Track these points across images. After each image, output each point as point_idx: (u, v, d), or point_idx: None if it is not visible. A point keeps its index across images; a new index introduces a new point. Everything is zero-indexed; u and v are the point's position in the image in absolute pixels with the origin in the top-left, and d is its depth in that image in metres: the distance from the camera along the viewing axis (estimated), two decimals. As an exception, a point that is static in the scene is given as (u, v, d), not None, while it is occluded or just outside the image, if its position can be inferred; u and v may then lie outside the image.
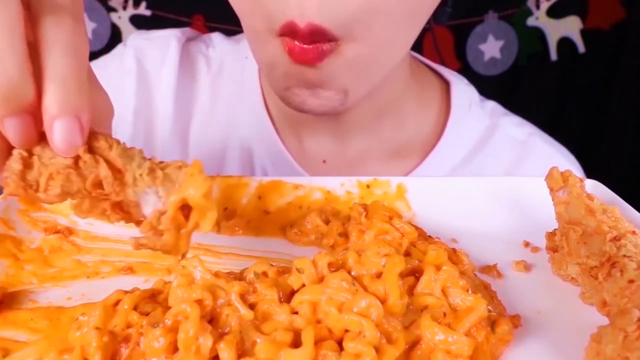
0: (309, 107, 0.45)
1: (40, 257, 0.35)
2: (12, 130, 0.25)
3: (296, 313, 0.27)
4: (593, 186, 0.38)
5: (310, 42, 0.40)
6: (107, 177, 0.26)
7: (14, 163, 0.26)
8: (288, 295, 0.28)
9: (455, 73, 0.61)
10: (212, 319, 0.27)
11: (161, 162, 0.28)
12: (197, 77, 0.59)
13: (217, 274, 0.29)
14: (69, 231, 0.37)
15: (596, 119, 1.26)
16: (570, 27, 1.21)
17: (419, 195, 0.40)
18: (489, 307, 0.28)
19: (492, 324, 0.28)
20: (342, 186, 0.41)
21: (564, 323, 0.30)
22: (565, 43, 1.22)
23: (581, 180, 0.34)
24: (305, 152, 0.56)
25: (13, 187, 0.26)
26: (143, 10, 1.14)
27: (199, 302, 0.26)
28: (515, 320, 0.29)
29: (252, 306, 0.27)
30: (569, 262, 0.31)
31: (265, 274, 0.30)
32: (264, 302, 0.27)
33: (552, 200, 0.34)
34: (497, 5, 1.21)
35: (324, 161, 0.56)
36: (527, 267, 0.34)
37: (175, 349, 0.25)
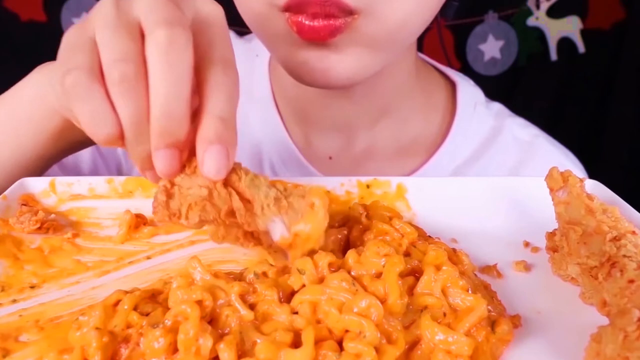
0: (315, 77, 0.42)
1: (40, 257, 0.35)
2: (161, 160, 0.28)
3: (296, 313, 0.27)
4: (593, 186, 0.38)
5: (324, 17, 0.38)
6: (239, 209, 0.29)
7: (160, 195, 0.29)
8: (288, 296, 0.28)
9: (461, 74, 0.62)
10: (212, 320, 0.27)
11: (285, 189, 0.31)
12: None
13: (216, 275, 0.29)
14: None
15: (596, 119, 1.26)
16: (570, 27, 1.21)
17: (419, 195, 0.40)
18: (489, 307, 0.28)
19: (492, 324, 0.28)
20: (342, 186, 0.41)
21: (564, 323, 0.30)
22: (565, 43, 1.22)
23: (581, 180, 0.34)
24: (311, 149, 0.57)
25: (160, 215, 0.29)
26: (143, 10, 1.14)
27: (199, 302, 0.26)
28: (515, 320, 0.29)
29: (252, 306, 0.27)
30: (569, 262, 0.31)
31: (265, 274, 0.30)
32: (264, 302, 0.27)
33: (552, 200, 0.34)
34: (497, 5, 1.21)
35: (330, 157, 0.56)
36: (527, 267, 0.34)
37: (175, 350, 0.25)
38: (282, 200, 0.30)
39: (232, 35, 0.63)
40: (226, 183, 0.29)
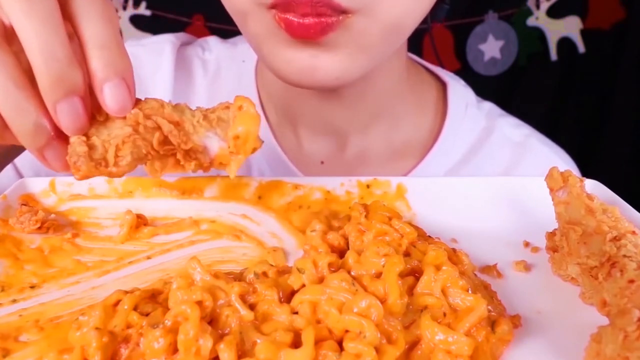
0: (301, 76, 0.40)
1: (40, 257, 0.35)
2: (66, 113, 0.26)
3: (296, 313, 0.27)
4: (593, 186, 0.38)
5: (315, 15, 0.36)
6: (171, 130, 0.28)
7: (78, 147, 0.27)
8: (288, 296, 0.28)
9: (452, 74, 0.61)
10: (212, 320, 0.27)
11: (207, 109, 0.30)
12: (194, 81, 0.58)
13: (216, 275, 0.29)
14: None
15: (596, 118, 1.27)
16: (570, 27, 1.22)
17: (419, 195, 0.40)
18: (489, 307, 0.28)
19: (492, 324, 0.28)
20: (342, 186, 0.41)
21: (564, 323, 0.30)
22: (565, 43, 1.22)
23: (581, 180, 0.34)
24: (303, 154, 0.56)
25: (85, 169, 0.27)
26: (143, 10, 1.14)
27: (199, 303, 0.26)
28: (515, 320, 0.29)
29: (252, 307, 0.27)
30: (569, 262, 0.31)
31: (265, 274, 0.30)
32: (264, 302, 0.27)
33: (552, 200, 0.34)
34: (497, 5, 1.21)
35: (322, 162, 0.55)
36: (527, 267, 0.34)
37: (175, 350, 0.25)
38: (210, 115, 0.29)
39: (217, 39, 0.61)
40: (148, 115, 0.28)
